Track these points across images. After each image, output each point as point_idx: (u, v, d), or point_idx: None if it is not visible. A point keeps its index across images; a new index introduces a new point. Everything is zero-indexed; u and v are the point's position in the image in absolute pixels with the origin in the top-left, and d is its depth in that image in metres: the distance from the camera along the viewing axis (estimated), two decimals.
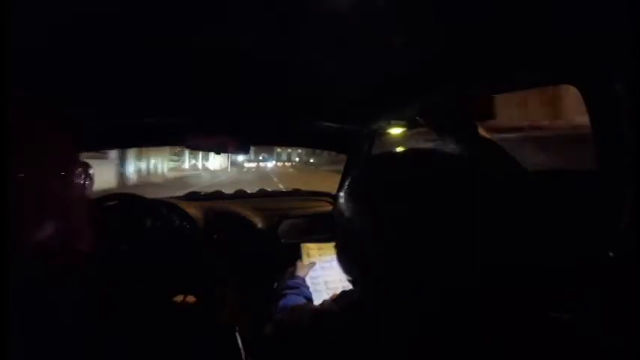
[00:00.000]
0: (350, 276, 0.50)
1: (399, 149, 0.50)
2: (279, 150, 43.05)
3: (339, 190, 0.50)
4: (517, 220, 0.45)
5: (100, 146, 1.54)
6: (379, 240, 0.43)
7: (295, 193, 1.90)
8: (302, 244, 1.02)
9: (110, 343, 0.49)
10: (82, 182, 0.47)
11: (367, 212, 0.44)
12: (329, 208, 1.58)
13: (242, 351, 1.07)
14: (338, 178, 1.48)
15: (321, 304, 0.58)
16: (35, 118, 0.42)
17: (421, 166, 0.45)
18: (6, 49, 0.40)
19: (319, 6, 0.54)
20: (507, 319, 0.40)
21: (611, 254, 0.48)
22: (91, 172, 0.49)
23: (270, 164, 40.73)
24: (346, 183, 0.49)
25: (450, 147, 0.97)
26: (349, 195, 0.47)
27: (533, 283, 0.48)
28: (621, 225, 0.46)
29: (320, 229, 1.12)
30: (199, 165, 27.79)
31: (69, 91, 0.89)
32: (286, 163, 43.21)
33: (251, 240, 1.42)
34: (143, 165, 13.51)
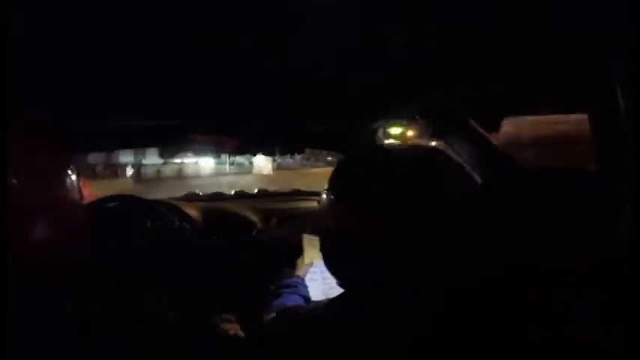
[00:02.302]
0: (343, 277, 0.49)
1: (400, 147, 0.51)
2: None
3: (331, 189, 0.50)
4: (517, 219, 0.45)
5: (99, 147, 1.54)
6: (380, 240, 0.42)
7: (295, 194, 1.90)
8: (304, 235, 1.01)
9: (109, 344, 0.48)
10: (71, 184, 0.47)
11: (370, 212, 0.44)
12: None
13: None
14: None
15: (315, 306, 0.57)
16: (25, 122, 0.42)
17: (423, 165, 0.45)
18: (6, 49, 0.40)
19: (319, 5, 0.54)
20: (507, 318, 0.40)
21: (611, 254, 0.48)
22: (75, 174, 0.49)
23: None
24: (342, 183, 0.49)
25: (449, 147, 0.97)
26: (348, 195, 0.47)
27: (534, 283, 0.48)
28: (621, 225, 0.46)
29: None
30: None
31: (68, 92, 0.89)
32: None
33: (251, 241, 1.42)
34: None
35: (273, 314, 0.71)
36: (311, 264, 0.95)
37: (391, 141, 1.29)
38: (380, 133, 1.33)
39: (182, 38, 0.63)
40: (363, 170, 0.47)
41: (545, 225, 0.48)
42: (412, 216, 0.42)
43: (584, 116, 0.55)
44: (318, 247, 1.00)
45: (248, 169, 17.44)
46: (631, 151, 0.47)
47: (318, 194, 1.83)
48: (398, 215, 0.42)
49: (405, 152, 0.49)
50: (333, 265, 0.51)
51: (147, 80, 0.87)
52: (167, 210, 1.34)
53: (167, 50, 0.69)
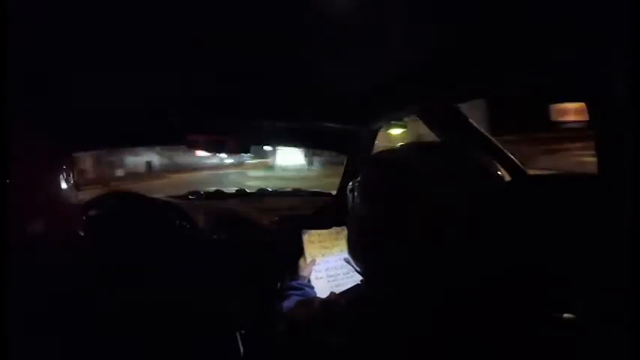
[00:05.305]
0: (362, 269, 0.52)
1: (417, 145, 0.53)
2: None
3: (351, 187, 0.54)
4: (520, 220, 0.46)
5: (99, 146, 1.54)
6: (402, 237, 0.44)
7: (296, 193, 1.90)
8: (303, 231, 1.03)
9: (110, 342, 0.48)
10: (66, 179, 0.48)
11: (388, 211, 0.46)
12: (329, 206, 1.58)
13: (242, 351, 1.07)
14: None
15: (328, 297, 0.61)
16: (23, 124, 0.43)
17: (443, 164, 0.46)
18: (6, 50, 0.40)
19: (320, 7, 0.54)
20: (509, 318, 0.41)
21: (610, 255, 0.48)
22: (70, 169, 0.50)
23: None
24: (361, 180, 0.51)
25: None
26: (368, 193, 0.49)
27: (534, 283, 0.48)
28: (621, 226, 0.46)
29: (321, 226, 1.14)
30: None
31: (69, 91, 0.88)
32: None
33: (252, 239, 1.42)
34: None
35: (289, 309, 0.73)
36: (314, 262, 0.95)
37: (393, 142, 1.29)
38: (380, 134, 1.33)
39: (183, 37, 0.63)
40: (383, 172, 0.50)
41: (547, 225, 0.48)
42: (428, 216, 0.43)
43: None
44: (318, 244, 1.01)
45: None
46: (632, 153, 0.47)
47: (318, 194, 1.83)
48: (416, 215, 0.43)
49: (426, 154, 0.50)
50: (355, 258, 0.54)
51: (148, 80, 0.87)
52: (167, 208, 1.33)
53: (168, 49, 0.69)
